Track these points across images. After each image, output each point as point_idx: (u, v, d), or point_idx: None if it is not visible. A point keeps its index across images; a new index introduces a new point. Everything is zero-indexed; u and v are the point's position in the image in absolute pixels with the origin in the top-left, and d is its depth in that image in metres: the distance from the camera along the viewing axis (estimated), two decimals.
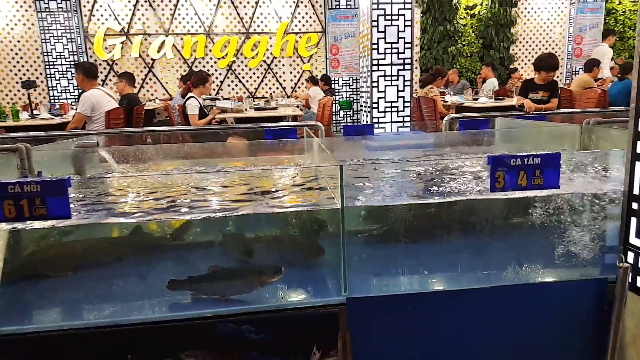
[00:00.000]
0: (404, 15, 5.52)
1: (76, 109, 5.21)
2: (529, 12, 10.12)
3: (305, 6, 9.92)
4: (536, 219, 1.74)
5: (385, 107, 5.77)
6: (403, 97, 5.73)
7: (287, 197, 1.66)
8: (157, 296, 1.42)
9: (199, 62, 9.82)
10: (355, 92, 10.16)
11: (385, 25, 5.53)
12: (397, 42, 5.58)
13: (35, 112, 5.50)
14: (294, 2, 9.87)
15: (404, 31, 5.56)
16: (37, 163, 2.06)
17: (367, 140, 2.92)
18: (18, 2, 9.18)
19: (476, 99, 6.17)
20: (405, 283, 1.57)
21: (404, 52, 5.62)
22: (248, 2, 9.76)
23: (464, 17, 9.92)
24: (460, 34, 9.92)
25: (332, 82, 9.72)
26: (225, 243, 1.65)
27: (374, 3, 5.46)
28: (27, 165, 2.04)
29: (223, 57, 9.84)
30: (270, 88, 10.16)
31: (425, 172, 1.90)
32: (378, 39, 5.55)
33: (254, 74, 10.09)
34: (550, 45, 10.32)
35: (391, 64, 5.65)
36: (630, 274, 1.52)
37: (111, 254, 1.58)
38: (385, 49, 5.59)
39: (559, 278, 1.59)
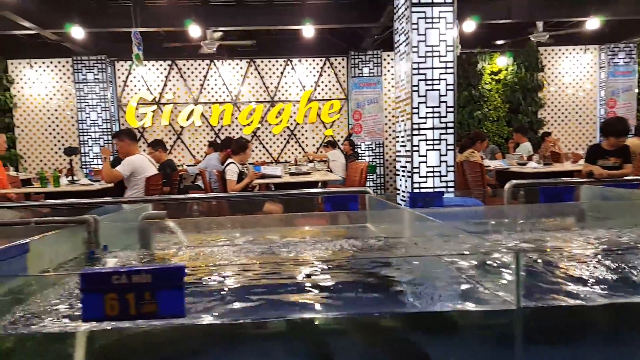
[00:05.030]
0: (445, 79, 5.50)
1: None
2: (556, 77, 10.21)
3: (329, 75, 10.15)
4: None
5: (427, 172, 5.61)
6: (446, 161, 5.59)
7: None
8: None
9: (225, 129, 9.92)
10: (378, 157, 10.11)
11: (427, 90, 5.49)
12: (439, 107, 5.53)
13: (74, 178, 5.46)
14: (318, 71, 10.10)
15: (445, 95, 5.52)
16: (102, 236, 1.88)
17: (449, 211, 2.66)
18: (58, 75, 9.57)
19: (523, 164, 5.96)
20: None
21: (446, 116, 5.55)
22: (274, 73, 10.01)
23: (489, 82, 10.00)
24: (486, 99, 9.97)
25: (356, 146, 9.70)
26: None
27: (414, 69, 5.46)
28: (94, 239, 1.85)
29: (248, 124, 9.96)
30: (292, 153, 10.17)
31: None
32: (419, 103, 5.51)
33: (277, 139, 10.15)
34: (580, 109, 10.31)
35: (433, 128, 5.56)
36: None
37: None
38: (426, 113, 5.53)
39: None
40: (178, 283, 0.96)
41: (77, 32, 6.94)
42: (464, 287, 1.30)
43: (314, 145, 10.21)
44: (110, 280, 0.93)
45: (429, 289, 1.38)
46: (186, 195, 4.26)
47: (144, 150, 6.30)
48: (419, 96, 5.51)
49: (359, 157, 9.70)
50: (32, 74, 9.47)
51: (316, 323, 1.15)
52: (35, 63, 9.46)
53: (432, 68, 5.50)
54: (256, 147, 10.09)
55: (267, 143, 10.14)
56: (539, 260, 1.49)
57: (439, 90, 5.53)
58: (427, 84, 5.51)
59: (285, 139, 10.16)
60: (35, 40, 9.05)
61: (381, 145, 10.08)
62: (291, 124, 10.09)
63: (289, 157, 10.15)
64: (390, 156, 10.33)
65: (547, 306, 1.15)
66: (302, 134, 10.20)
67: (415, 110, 5.52)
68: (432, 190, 5.22)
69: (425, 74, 5.49)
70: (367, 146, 10.08)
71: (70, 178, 5.41)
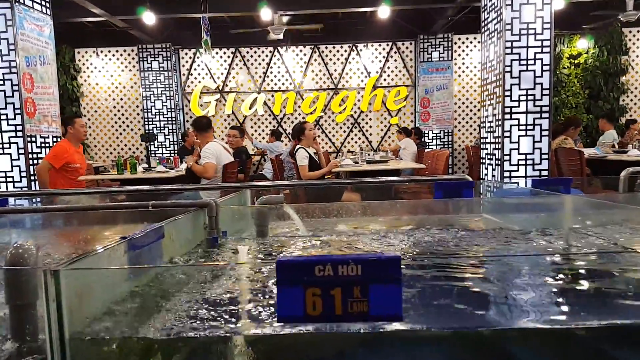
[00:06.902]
0: (541, 59, 5.03)
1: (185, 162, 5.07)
2: None
3: (395, 60, 9.74)
4: None
5: (519, 160, 5.17)
6: (540, 148, 5.13)
7: None
8: None
9: (288, 118, 9.72)
10: (446, 145, 9.64)
11: (520, 71, 5.04)
12: (534, 89, 5.07)
13: (150, 165, 5.39)
14: (384, 57, 9.71)
15: (541, 76, 5.05)
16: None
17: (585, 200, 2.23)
18: (123, 63, 9.64)
19: (622, 152, 5.41)
20: None
21: (541, 99, 5.08)
22: (338, 59, 9.70)
23: (567, 67, 9.32)
24: (564, 84, 9.30)
25: (423, 135, 9.28)
26: None
27: (507, 47, 5.02)
28: (215, 224, 1.63)
29: (311, 113, 9.70)
30: (356, 142, 9.85)
31: None
32: (512, 85, 5.07)
33: (340, 128, 9.87)
34: None
35: (526, 112, 5.11)
36: None
37: None
38: (519, 95, 5.08)
39: None
40: (395, 277, 0.72)
41: (149, 18, 6.87)
42: None
43: (378, 134, 9.86)
44: (313, 271, 0.70)
45: None
46: (298, 182, 4.08)
47: (219, 137, 6.16)
48: (512, 77, 5.06)
49: (427, 146, 9.29)
50: (98, 63, 9.58)
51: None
52: (102, 52, 9.56)
53: (527, 47, 5.04)
54: (319, 136, 9.82)
55: (330, 132, 9.87)
56: None
57: (533, 70, 5.06)
58: (520, 64, 5.05)
59: (348, 127, 9.86)
60: (102, 29, 9.15)
61: (450, 133, 9.61)
62: (355, 112, 9.77)
63: (352, 146, 9.83)
64: (459, 145, 9.84)
65: None
66: (366, 122, 9.87)
67: (507, 93, 5.08)
68: (556, 177, 4.78)
69: (519, 54, 5.04)
70: (435, 134, 9.64)
71: (146, 165, 5.34)
